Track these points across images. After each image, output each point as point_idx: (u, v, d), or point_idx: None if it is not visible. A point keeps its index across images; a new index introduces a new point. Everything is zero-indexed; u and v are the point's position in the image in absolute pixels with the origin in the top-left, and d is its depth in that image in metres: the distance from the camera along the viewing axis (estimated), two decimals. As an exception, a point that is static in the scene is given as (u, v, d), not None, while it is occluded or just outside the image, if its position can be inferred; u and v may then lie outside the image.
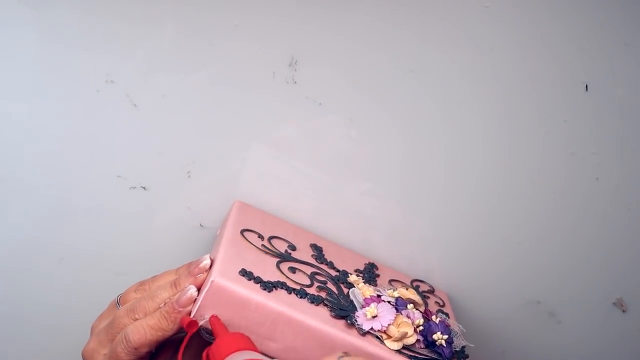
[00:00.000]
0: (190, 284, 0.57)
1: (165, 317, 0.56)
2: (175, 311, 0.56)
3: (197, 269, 0.58)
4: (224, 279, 0.55)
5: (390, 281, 0.68)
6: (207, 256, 0.59)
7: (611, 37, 0.67)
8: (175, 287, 0.58)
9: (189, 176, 0.70)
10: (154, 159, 0.69)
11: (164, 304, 0.57)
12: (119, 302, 0.61)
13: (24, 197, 0.69)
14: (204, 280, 0.57)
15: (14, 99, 0.67)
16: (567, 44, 0.67)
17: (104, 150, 0.69)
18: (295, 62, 0.68)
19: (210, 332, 0.56)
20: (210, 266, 0.58)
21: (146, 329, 0.56)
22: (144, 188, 0.70)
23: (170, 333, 0.56)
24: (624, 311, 0.74)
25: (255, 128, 0.69)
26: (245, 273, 0.57)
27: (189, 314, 0.55)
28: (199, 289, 0.57)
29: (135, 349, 0.56)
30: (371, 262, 0.70)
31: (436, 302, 0.68)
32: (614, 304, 0.74)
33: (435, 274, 0.73)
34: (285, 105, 0.69)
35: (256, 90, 0.68)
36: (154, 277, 0.62)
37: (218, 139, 0.69)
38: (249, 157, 0.70)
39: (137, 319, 0.57)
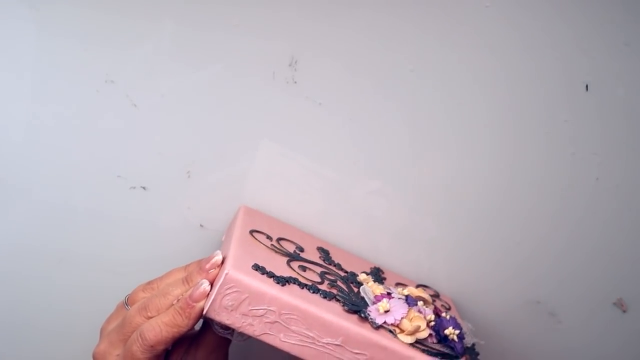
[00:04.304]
0: (202, 279, 0.57)
1: (179, 313, 0.56)
2: (189, 306, 0.56)
3: (209, 265, 0.58)
4: (238, 271, 0.55)
5: (397, 284, 0.68)
6: (219, 252, 0.59)
7: (611, 37, 0.67)
8: (187, 284, 0.58)
9: (189, 176, 0.70)
10: (154, 159, 0.69)
11: (177, 300, 0.57)
12: (127, 303, 0.61)
13: (24, 198, 0.69)
14: (216, 276, 0.57)
15: (14, 99, 0.67)
16: (567, 44, 0.67)
17: (104, 151, 0.69)
18: (295, 62, 0.67)
19: (225, 327, 0.56)
20: (222, 263, 0.58)
21: (161, 326, 0.56)
22: (144, 188, 0.70)
23: (185, 329, 0.56)
24: (624, 311, 0.74)
25: (255, 128, 0.69)
26: (258, 267, 0.57)
27: (203, 309, 0.56)
28: (211, 284, 0.57)
29: (152, 346, 0.56)
30: (377, 266, 0.70)
31: (442, 306, 0.68)
32: (614, 304, 0.74)
33: (436, 274, 0.73)
34: (285, 105, 0.68)
35: (256, 90, 0.68)
36: (162, 276, 0.62)
37: (218, 139, 0.69)
38: (249, 157, 0.70)
39: (150, 317, 0.57)
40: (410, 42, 0.67)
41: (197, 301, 0.56)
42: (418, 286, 0.71)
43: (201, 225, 0.71)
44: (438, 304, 0.68)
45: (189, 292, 0.56)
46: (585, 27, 0.67)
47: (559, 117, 0.69)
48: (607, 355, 0.75)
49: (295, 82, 0.68)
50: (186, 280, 0.59)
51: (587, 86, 0.68)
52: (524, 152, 0.70)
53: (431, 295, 0.70)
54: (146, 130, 0.68)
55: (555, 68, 0.68)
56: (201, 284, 0.56)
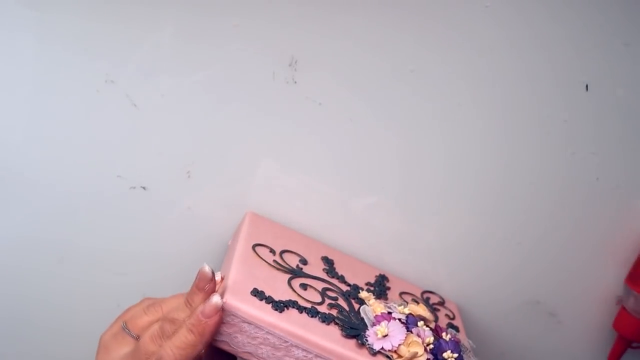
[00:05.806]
0: (212, 295, 0.55)
1: (191, 331, 0.54)
2: (202, 323, 0.54)
3: (202, 282, 0.56)
4: (236, 300, 0.56)
5: (401, 294, 0.69)
6: (205, 264, 0.57)
7: (611, 37, 0.67)
8: (190, 305, 0.57)
9: (188, 176, 0.70)
10: (154, 159, 0.69)
11: (188, 318, 0.55)
12: (127, 328, 0.59)
13: (24, 197, 0.69)
14: (214, 289, 0.56)
15: (14, 99, 0.67)
16: (567, 44, 0.67)
17: (104, 150, 0.69)
18: (295, 62, 0.68)
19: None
20: (222, 282, 0.58)
21: (174, 350, 0.54)
22: (143, 188, 0.70)
23: (200, 347, 0.54)
24: (624, 311, 0.74)
25: (254, 128, 0.69)
26: (257, 293, 0.57)
27: (216, 323, 0.54)
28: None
29: None
30: (382, 273, 0.70)
31: (446, 315, 0.69)
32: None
33: (437, 275, 0.73)
34: (285, 105, 0.69)
35: (256, 91, 0.68)
36: (164, 299, 0.60)
37: (218, 139, 0.69)
38: (249, 157, 0.70)
39: (162, 345, 0.55)
40: (410, 42, 0.67)
41: (209, 316, 0.54)
42: (424, 292, 0.71)
43: (201, 226, 0.71)
44: (442, 313, 0.68)
45: (200, 308, 0.55)
46: (585, 27, 0.67)
47: (559, 117, 0.69)
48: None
49: (295, 82, 0.68)
50: (187, 302, 0.57)
51: (586, 86, 0.68)
52: (524, 152, 0.70)
53: (436, 303, 0.70)
54: (146, 130, 0.69)
55: (555, 68, 0.68)
56: (212, 299, 0.54)
